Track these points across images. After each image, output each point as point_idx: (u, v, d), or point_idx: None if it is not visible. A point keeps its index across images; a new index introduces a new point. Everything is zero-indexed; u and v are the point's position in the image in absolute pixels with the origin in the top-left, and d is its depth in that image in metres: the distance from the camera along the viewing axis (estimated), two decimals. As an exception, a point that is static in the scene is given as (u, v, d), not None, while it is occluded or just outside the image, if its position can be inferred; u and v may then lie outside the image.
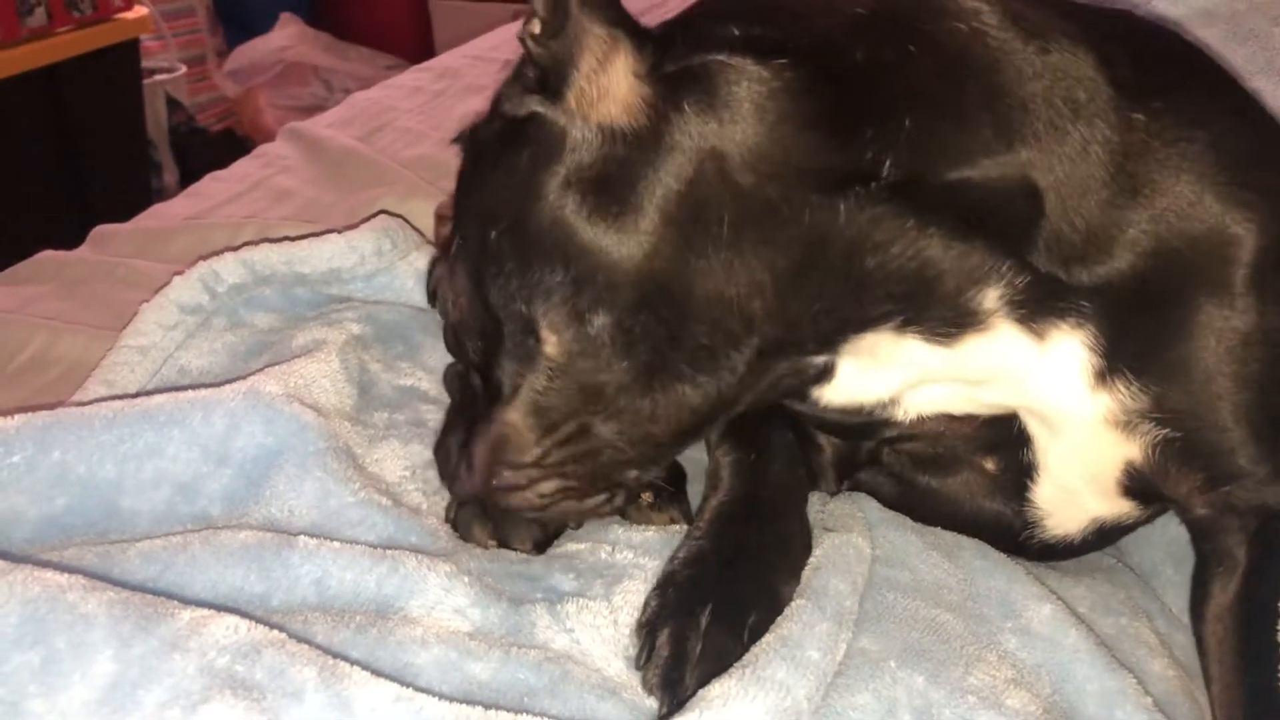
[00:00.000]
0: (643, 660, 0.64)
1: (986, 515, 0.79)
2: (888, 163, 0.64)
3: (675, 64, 0.66)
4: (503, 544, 0.77)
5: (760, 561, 0.69)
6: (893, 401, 0.76)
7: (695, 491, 0.86)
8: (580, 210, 0.65)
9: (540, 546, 0.78)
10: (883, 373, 0.73)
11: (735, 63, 0.65)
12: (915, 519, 0.80)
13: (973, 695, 0.65)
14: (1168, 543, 0.86)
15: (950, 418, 0.77)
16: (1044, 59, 0.66)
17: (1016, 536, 0.79)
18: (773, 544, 0.71)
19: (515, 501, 0.73)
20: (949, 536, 0.78)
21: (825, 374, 0.73)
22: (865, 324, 0.69)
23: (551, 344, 0.67)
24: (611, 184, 0.65)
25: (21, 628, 0.54)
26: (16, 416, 0.74)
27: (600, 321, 0.66)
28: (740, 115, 0.64)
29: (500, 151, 0.70)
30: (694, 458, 0.93)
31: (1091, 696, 0.68)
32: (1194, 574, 0.77)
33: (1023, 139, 0.66)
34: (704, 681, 0.60)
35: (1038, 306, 0.68)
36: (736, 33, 0.66)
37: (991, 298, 0.67)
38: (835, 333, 0.69)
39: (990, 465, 0.78)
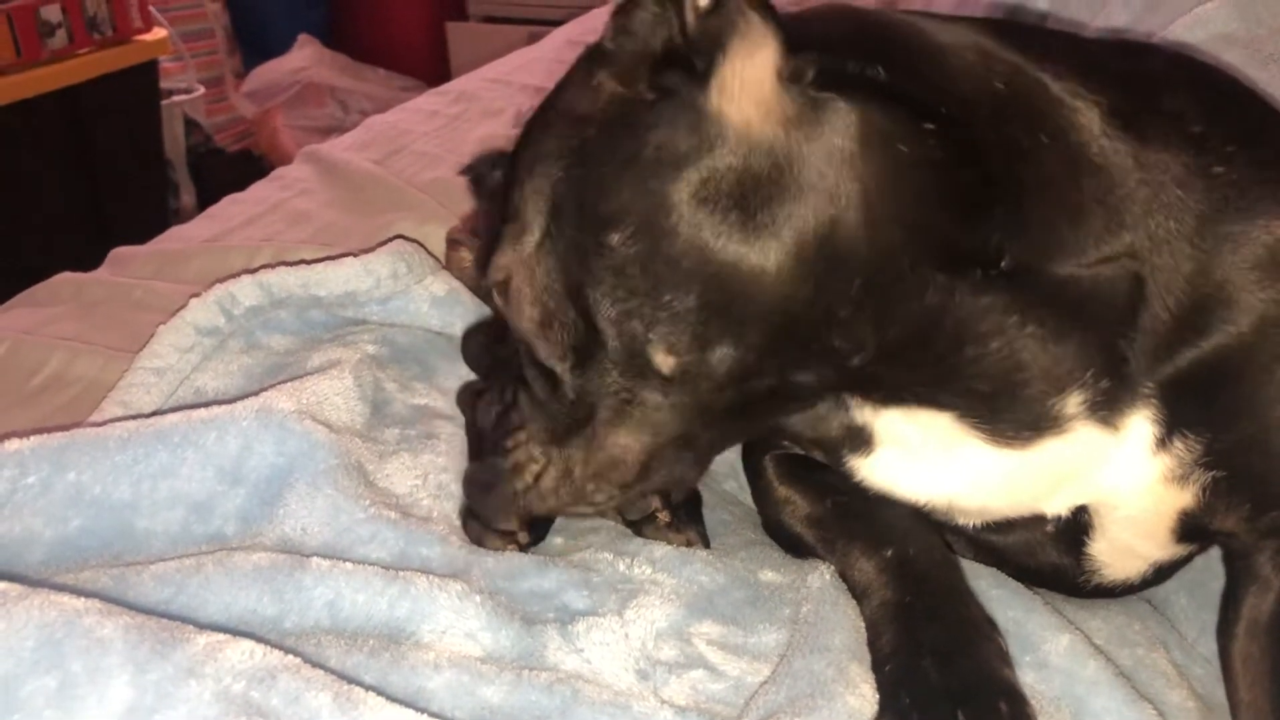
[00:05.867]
0: None
1: (1046, 566, 0.78)
2: (1009, 250, 0.63)
3: (819, 88, 0.61)
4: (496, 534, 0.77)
5: (968, 649, 0.67)
6: (943, 511, 0.75)
7: (711, 516, 0.86)
8: (719, 231, 0.60)
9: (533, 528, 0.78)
10: (931, 469, 0.72)
11: (885, 116, 0.61)
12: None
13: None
14: (1181, 571, 0.85)
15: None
16: (1143, 152, 0.65)
17: (1074, 581, 0.78)
18: (968, 630, 0.69)
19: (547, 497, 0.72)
20: (964, 565, 0.77)
21: (860, 439, 0.72)
22: (929, 401, 0.68)
23: (669, 365, 0.63)
24: (748, 202, 0.60)
25: (38, 652, 0.54)
26: (32, 438, 0.75)
27: (723, 352, 0.63)
28: (885, 173, 0.60)
29: (620, 132, 0.63)
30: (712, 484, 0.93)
31: (1110, 729, 0.67)
32: (1224, 592, 0.76)
33: (1128, 232, 0.64)
34: None
35: (1115, 404, 0.67)
36: (884, 77, 0.62)
37: (1073, 403, 0.66)
38: (900, 396, 0.68)
39: (1050, 528, 0.76)
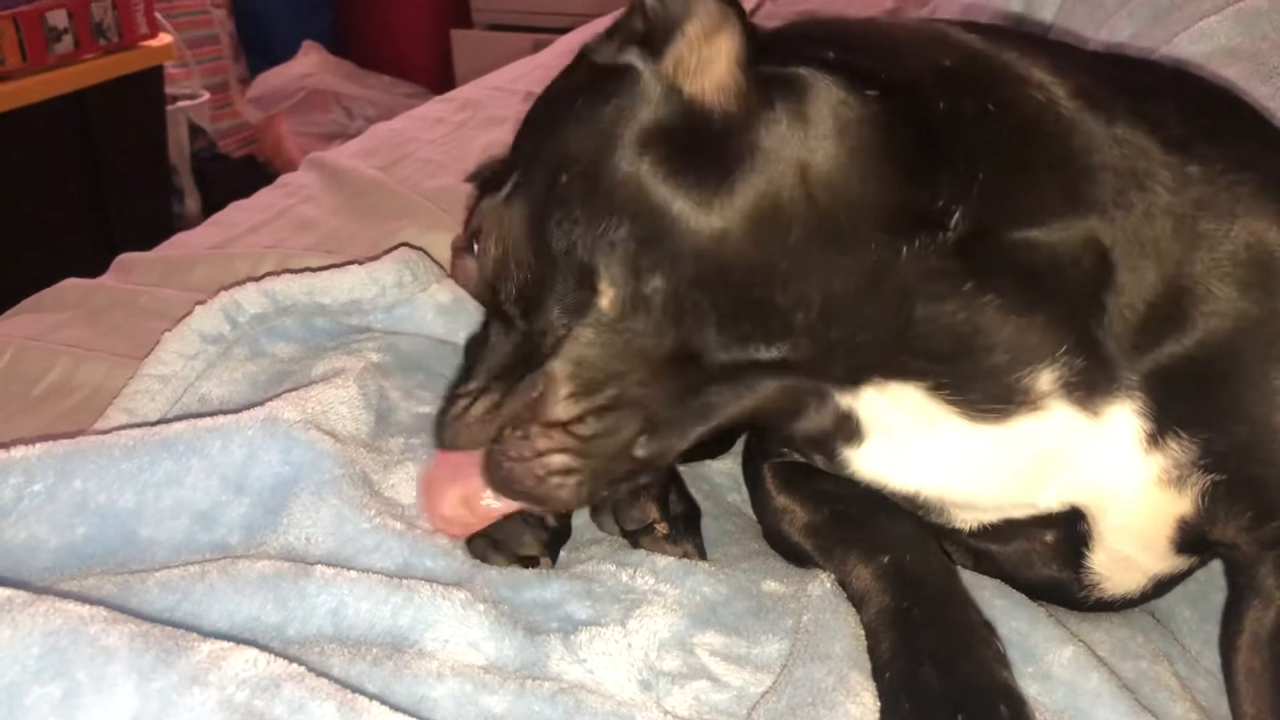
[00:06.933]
0: None
1: (1045, 580, 0.78)
2: (957, 214, 0.64)
3: (770, 67, 0.66)
4: (517, 559, 0.77)
5: (967, 654, 0.68)
6: (937, 507, 0.76)
7: (714, 527, 0.86)
8: (658, 171, 0.65)
9: (549, 547, 0.78)
10: (918, 455, 0.72)
11: (829, 82, 0.65)
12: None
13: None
14: (1183, 583, 0.85)
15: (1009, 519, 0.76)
16: (1108, 131, 0.67)
17: (1075, 595, 0.78)
18: (966, 635, 0.69)
19: (514, 468, 0.70)
20: (968, 577, 0.77)
21: (849, 429, 0.73)
22: (896, 371, 0.68)
23: (608, 297, 0.66)
24: (691, 156, 0.65)
25: (43, 660, 0.54)
26: (38, 445, 0.75)
27: (655, 284, 0.65)
28: (827, 134, 0.65)
29: (584, 98, 0.69)
30: (712, 493, 0.93)
31: (1113, 742, 0.67)
32: (1225, 606, 0.76)
33: (1089, 206, 0.66)
34: None
35: (1093, 387, 0.67)
36: (832, 56, 0.67)
37: (1046, 380, 0.67)
38: (865, 368, 0.69)
39: (1049, 538, 0.76)
